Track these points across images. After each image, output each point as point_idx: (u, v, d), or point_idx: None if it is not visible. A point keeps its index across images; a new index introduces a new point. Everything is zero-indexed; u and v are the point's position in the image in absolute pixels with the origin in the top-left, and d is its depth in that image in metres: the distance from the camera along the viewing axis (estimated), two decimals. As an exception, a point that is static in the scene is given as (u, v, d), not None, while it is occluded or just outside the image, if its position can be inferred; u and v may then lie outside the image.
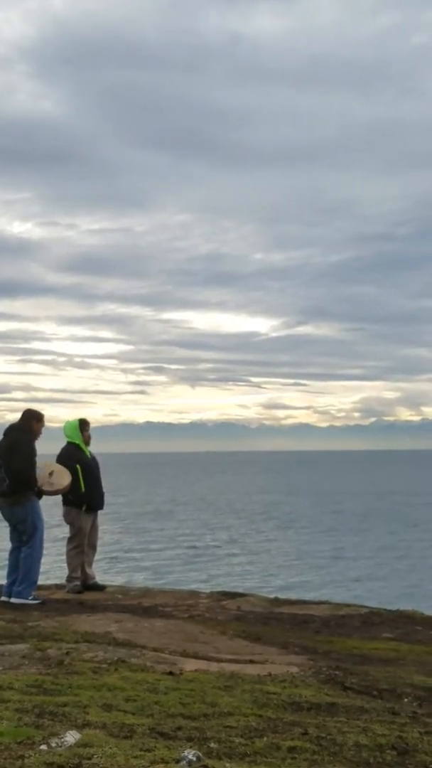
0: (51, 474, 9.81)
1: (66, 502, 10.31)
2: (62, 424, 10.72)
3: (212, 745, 3.59)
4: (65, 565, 10.55)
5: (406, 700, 5.17)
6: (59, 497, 10.19)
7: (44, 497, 9.65)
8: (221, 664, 5.89)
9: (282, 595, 14.36)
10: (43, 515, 9.60)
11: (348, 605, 10.18)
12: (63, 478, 9.93)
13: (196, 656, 6.21)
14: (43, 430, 9.75)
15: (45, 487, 9.61)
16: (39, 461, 9.59)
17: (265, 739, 3.74)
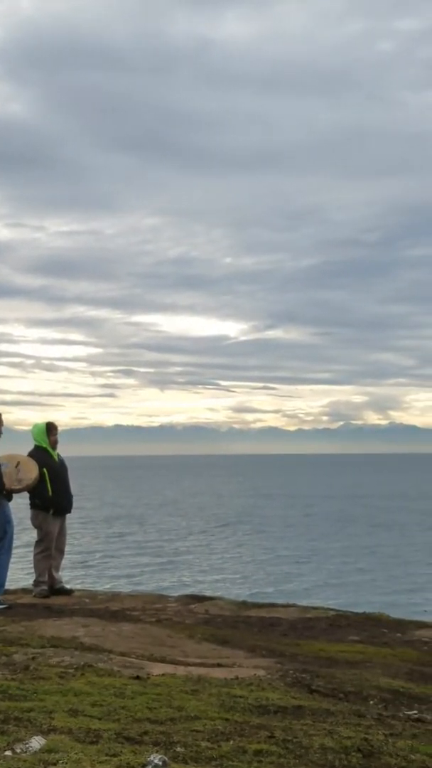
0: (18, 466, 9.75)
1: (33, 505, 10.25)
2: (30, 427, 10.66)
3: (178, 749, 3.59)
4: (32, 569, 10.49)
5: (372, 702, 5.20)
6: (27, 500, 10.15)
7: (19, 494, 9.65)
8: (188, 667, 5.89)
9: (251, 599, 14.40)
10: (13, 519, 9.54)
11: (315, 608, 10.22)
12: (30, 470, 9.87)
13: (163, 660, 6.20)
14: (12, 433, 9.69)
15: (14, 486, 9.56)
16: (2, 454, 9.56)
17: (231, 742, 3.75)
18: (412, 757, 3.81)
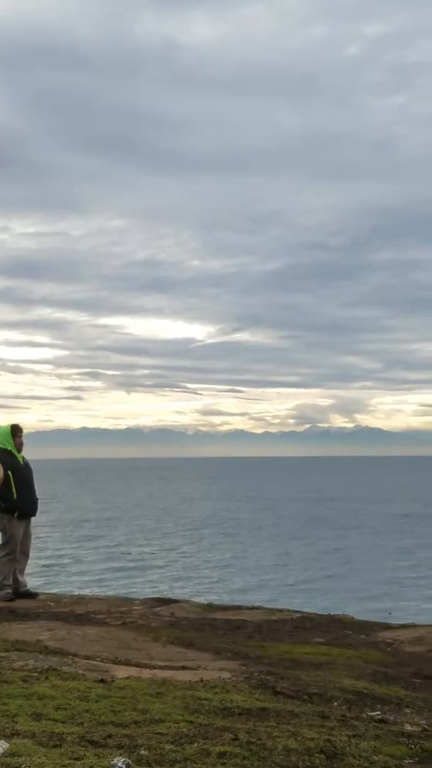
0: None
1: (-3, 508, 10.18)
2: (-5, 430, 10.58)
3: (142, 752, 3.59)
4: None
5: (335, 703, 5.23)
6: None
7: None
8: (153, 670, 5.88)
9: (217, 602, 14.41)
10: None
11: (281, 610, 10.25)
12: None
13: (128, 663, 6.19)
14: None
15: None
16: None
17: (195, 745, 3.76)
18: (375, 758, 3.85)
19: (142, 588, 29.81)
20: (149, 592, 25.81)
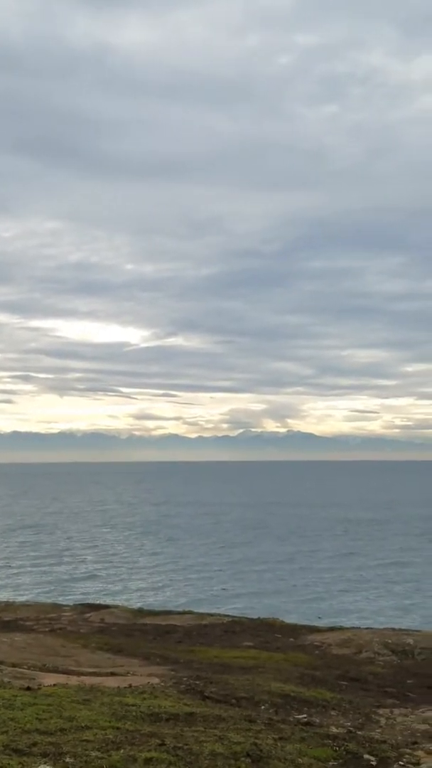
0: None
1: None
2: None
3: (68, 759, 3.57)
4: None
5: (263, 707, 5.28)
6: None
7: None
8: (81, 677, 5.84)
9: (149, 607, 14.36)
10: None
11: (211, 615, 10.30)
12: None
13: (56, 670, 6.14)
14: None
15: None
16: None
17: (121, 751, 3.75)
18: (300, 760, 3.90)
19: (75, 594, 29.49)
20: (82, 598, 25.56)
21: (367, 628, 11.50)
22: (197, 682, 5.82)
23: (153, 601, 28.40)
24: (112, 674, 6.08)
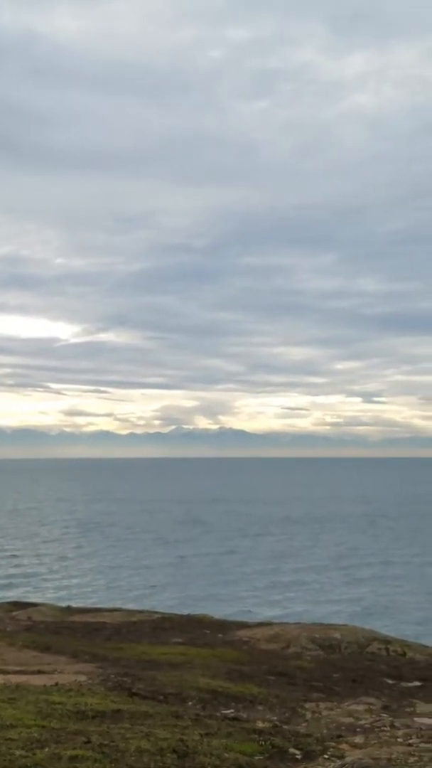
0: None
1: None
2: None
3: (-9, 759, 3.52)
4: None
5: (190, 703, 5.29)
6: None
7: None
8: (7, 675, 5.77)
9: (76, 604, 14.23)
10: None
11: (141, 611, 10.28)
12: None
13: (-19, 669, 6.04)
14: None
15: None
16: None
17: (46, 749, 3.72)
18: (226, 755, 3.92)
19: (5, 592, 29.12)
20: (9, 597, 25.23)
21: (295, 624, 11.62)
22: (125, 679, 5.81)
23: (84, 598, 28.22)
24: (39, 672, 6.02)
